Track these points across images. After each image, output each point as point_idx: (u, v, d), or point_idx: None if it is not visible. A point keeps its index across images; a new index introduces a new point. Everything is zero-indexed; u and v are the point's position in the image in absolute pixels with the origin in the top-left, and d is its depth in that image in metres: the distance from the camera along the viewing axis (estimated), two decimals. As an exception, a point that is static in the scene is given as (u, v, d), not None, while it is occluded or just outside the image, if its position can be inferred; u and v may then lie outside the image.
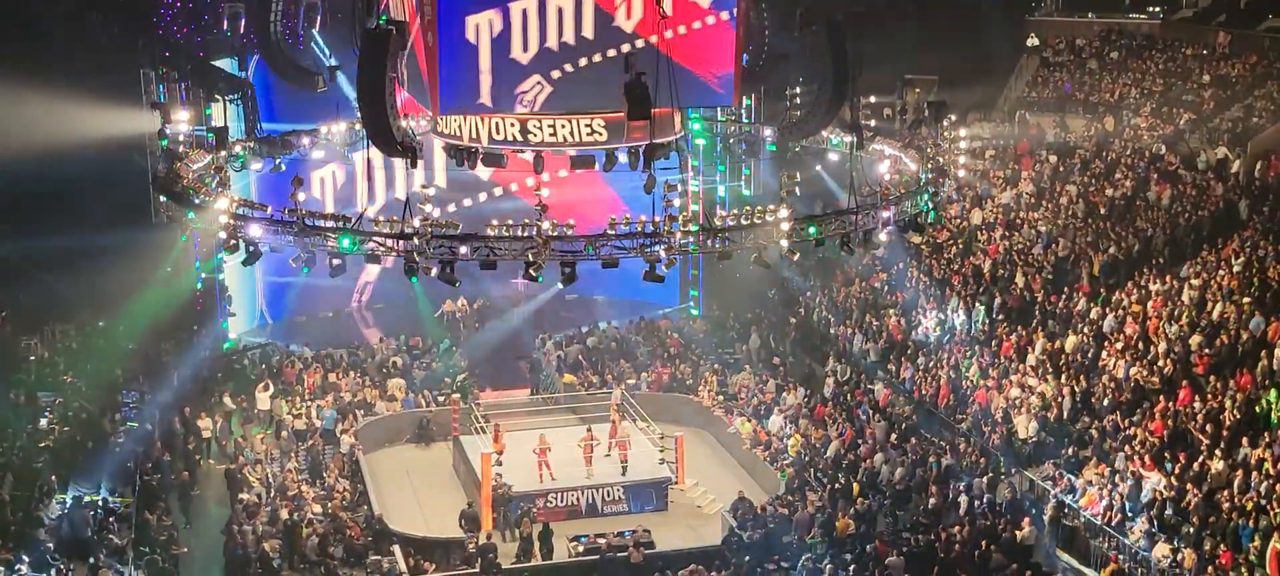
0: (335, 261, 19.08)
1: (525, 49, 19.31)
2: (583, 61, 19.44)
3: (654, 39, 19.14)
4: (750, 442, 26.05)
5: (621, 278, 27.94)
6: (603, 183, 29.27)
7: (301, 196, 19.34)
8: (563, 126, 19.74)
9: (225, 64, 28.13)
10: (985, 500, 21.69)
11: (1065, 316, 24.92)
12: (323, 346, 29.93)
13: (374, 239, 18.74)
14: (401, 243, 18.62)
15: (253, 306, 32.15)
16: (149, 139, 25.93)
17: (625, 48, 19.24)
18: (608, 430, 25.50)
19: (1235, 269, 23.20)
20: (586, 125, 19.74)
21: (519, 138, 19.97)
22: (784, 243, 19.35)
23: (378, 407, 27.64)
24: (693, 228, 19.27)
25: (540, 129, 19.73)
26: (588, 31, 19.35)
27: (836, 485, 23.14)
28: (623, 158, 21.16)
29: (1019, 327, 25.38)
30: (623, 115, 19.14)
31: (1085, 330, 24.15)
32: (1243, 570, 17.87)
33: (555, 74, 19.45)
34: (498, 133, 20.03)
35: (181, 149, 22.15)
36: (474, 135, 20.37)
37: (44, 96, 25.23)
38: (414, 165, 19.56)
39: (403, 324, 31.42)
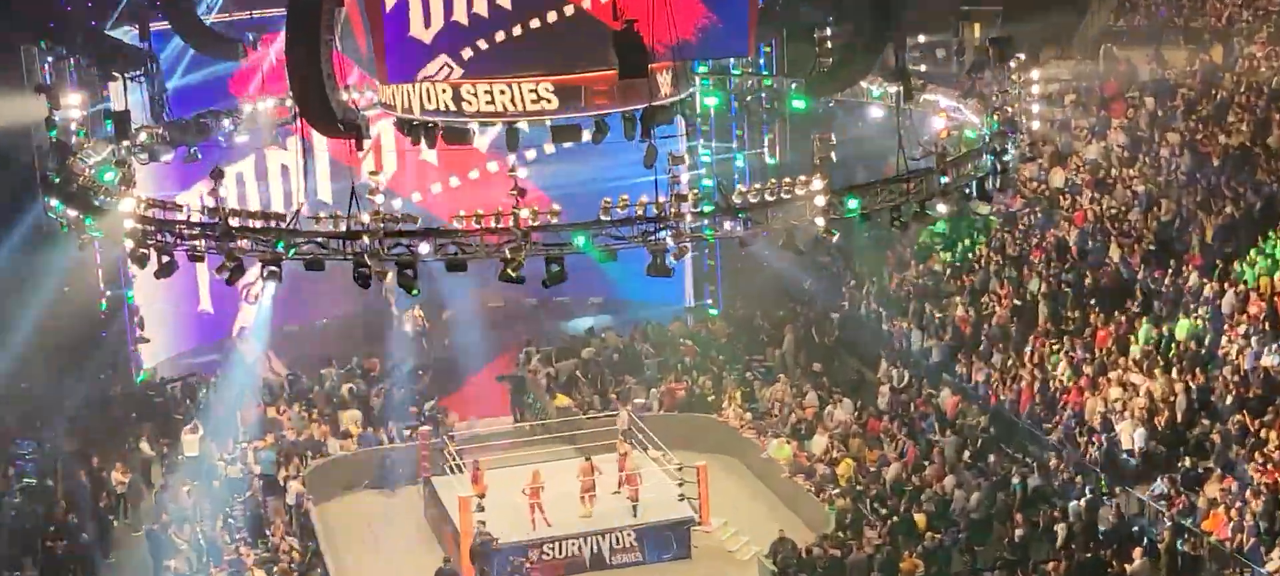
0: (271, 269, 18.94)
1: (427, 25, 19.16)
2: (499, 36, 19.25)
3: (587, 2, 18.92)
4: (790, 469, 25.99)
5: (621, 274, 27.79)
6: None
7: (223, 192, 19.19)
8: (501, 94, 19.61)
9: (124, 34, 28.02)
10: (1085, 527, 21.49)
11: (1174, 296, 24.71)
12: (346, 358, 29.91)
13: (314, 240, 18.61)
14: (348, 243, 18.48)
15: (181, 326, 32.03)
16: (36, 129, 25.78)
17: (552, 15, 19.02)
18: (615, 462, 25.43)
19: (1381, 227, 23.01)
20: (531, 91, 19.62)
21: (451, 106, 19.89)
22: (820, 221, 19.15)
23: (329, 447, 27.64)
24: (706, 208, 19.15)
25: (475, 97, 19.60)
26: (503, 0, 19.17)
27: (898, 517, 23.06)
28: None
29: (1116, 313, 25.15)
30: (578, 78, 18.93)
31: (1200, 311, 23.93)
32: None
33: (466, 53, 19.30)
34: (429, 101, 19.97)
35: (75, 141, 22.01)
36: (406, 105, 20.31)
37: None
38: (360, 146, 19.46)
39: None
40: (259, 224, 18.99)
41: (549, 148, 31.25)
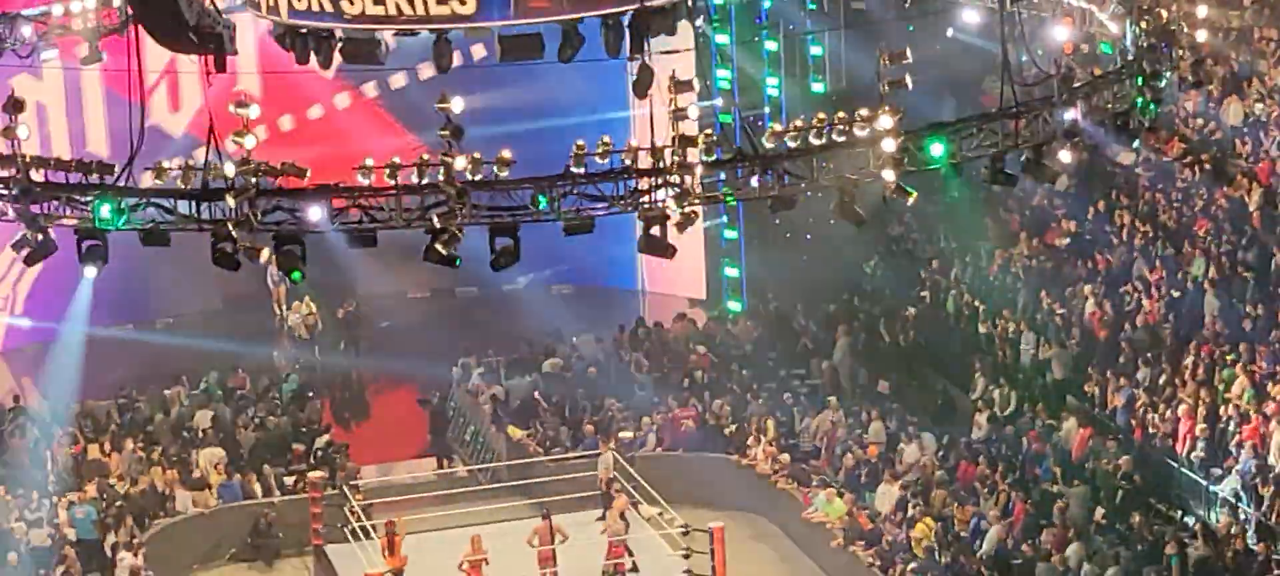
0: (89, 244, 18.95)
1: None
2: None
3: None
4: (845, 533, 26.09)
5: (600, 252, 27.74)
6: None
7: (23, 132, 19.18)
8: None
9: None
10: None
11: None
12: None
13: (154, 202, 18.61)
14: (205, 207, 18.51)
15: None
16: None
17: None
18: (599, 518, 25.84)
19: None
20: None
21: (326, 6, 20.03)
22: (889, 173, 19.19)
23: (179, 501, 27.65)
24: (724, 155, 19.16)
25: None
26: None
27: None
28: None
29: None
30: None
31: None
32: None
33: None
34: (298, 1, 20.05)
35: None
36: (272, 4, 20.50)
37: None
38: (221, 65, 19.48)
39: None
40: (75, 177, 18.85)
41: (426, 69, 31.32)
